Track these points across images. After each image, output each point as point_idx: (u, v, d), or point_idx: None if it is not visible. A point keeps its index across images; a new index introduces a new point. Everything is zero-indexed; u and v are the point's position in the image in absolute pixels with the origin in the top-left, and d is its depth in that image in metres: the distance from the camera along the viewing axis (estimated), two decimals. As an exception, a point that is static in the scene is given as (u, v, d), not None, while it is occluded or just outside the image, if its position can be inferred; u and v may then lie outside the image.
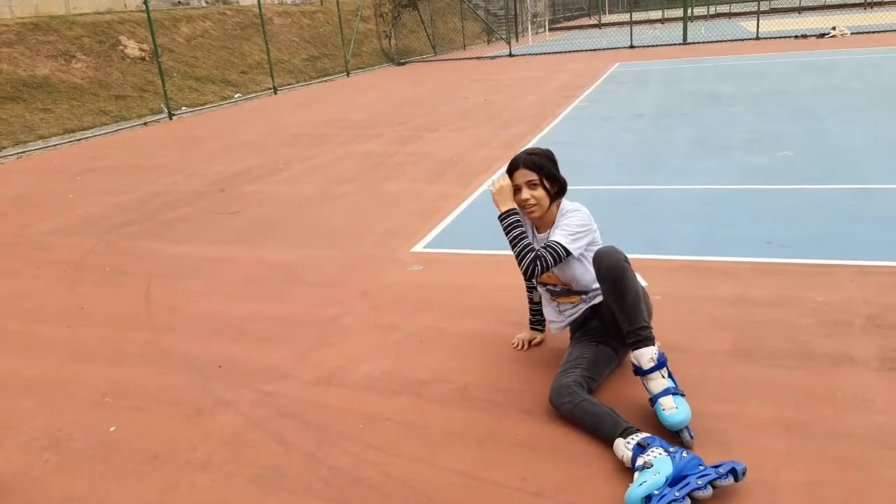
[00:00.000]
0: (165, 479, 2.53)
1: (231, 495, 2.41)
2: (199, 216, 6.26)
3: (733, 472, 2.15)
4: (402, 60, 24.70)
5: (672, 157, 7.14)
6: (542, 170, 2.86)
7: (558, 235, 2.80)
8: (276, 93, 16.93)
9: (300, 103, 14.81)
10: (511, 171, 2.92)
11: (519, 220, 2.90)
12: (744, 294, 3.64)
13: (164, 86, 13.80)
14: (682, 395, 2.51)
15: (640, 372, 2.55)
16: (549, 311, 3.13)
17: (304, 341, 3.56)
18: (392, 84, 17.85)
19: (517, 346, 3.29)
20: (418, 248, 4.90)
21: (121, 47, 16.01)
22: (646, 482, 2.11)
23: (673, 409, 2.44)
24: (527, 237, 2.86)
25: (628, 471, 2.28)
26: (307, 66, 21.01)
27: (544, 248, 2.78)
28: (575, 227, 2.83)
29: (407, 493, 2.34)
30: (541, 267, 2.75)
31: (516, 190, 2.90)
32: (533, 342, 3.30)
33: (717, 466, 2.18)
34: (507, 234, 2.90)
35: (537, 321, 3.31)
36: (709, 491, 2.11)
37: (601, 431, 2.47)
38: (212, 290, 4.43)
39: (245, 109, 14.64)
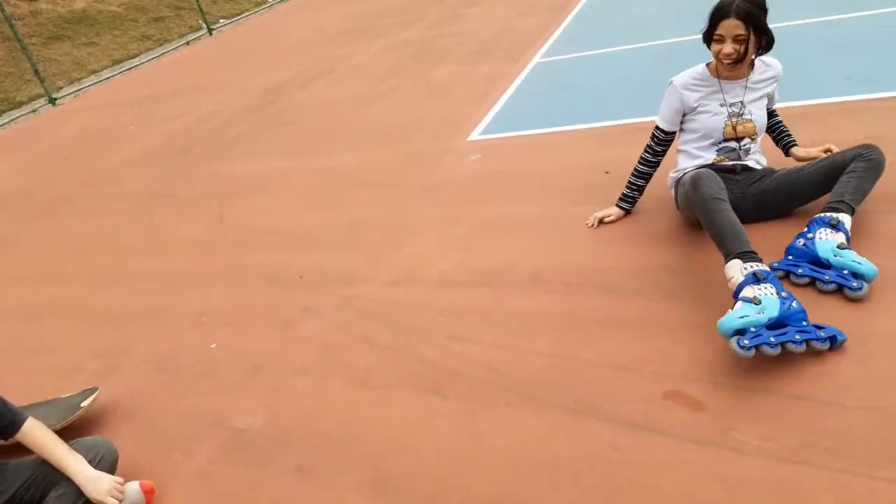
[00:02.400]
0: (267, 386, 2.73)
1: (328, 396, 2.58)
2: (255, 132, 6.32)
3: (833, 339, 2.12)
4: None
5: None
6: (752, 20, 2.58)
7: (773, 104, 3.06)
8: (309, -10, 16.40)
9: (335, -2, 14.34)
10: (717, 20, 2.66)
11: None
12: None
13: (197, 0, 13.57)
14: None
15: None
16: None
17: (375, 244, 3.65)
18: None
19: (591, 224, 3.24)
20: (474, 135, 4.82)
21: (148, -34, 15.70)
22: (747, 317, 2.09)
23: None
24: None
25: (711, 338, 2.29)
26: (336, -45, 20.10)
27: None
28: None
29: (494, 376, 2.44)
30: None
31: (718, 40, 2.68)
32: (606, 219, 3.25)
33: (819, 328, 2.14)
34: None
35: (631, 198, 3.22)
36: (802, 347, 2.09)
37: (721, 241, 2.40)
38: (280, 204, 4.54)
39: (282, 12, 14.32)
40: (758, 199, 2.84)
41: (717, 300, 2.48)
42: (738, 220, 2.45)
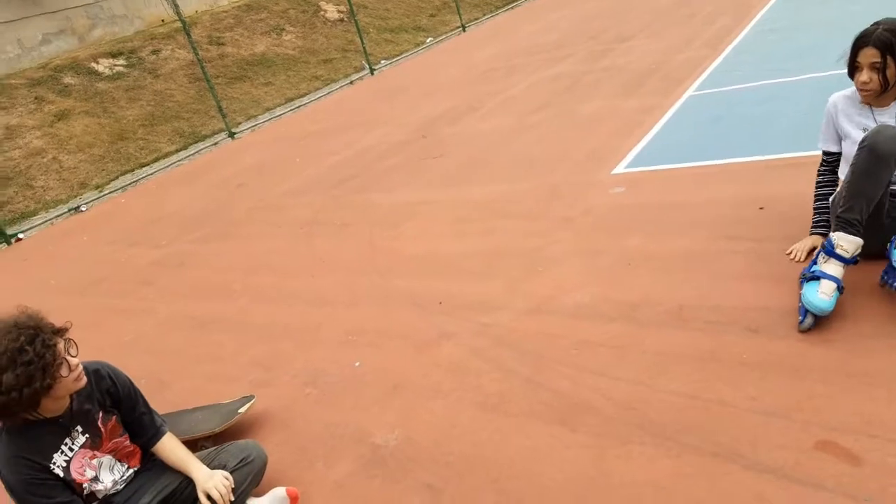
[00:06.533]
0: (404, 405, 2.84)
1: (461, 419, 2.64)
2: (407, 164, 6.64)
3: None
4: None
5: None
6: (891, 49, 2.53)
7: None
8: (464, 30, 17.01)
9: (488, 36, 14.77)
10: (856, 48, 2.64)
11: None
12: None
13: (362, 43, 14.54)
14: None
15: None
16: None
17: (513, 273, 3.69)
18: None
19: (794, 256, 2.97)
20: (619, 168, 4.76)
21: (321, 13, 17.12)
22: None
23: None
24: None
25: (868, 387, 2.11)
26: (492, -4, 20.78)
27: None
28: None
29: (627, 413, 2.38)
30: None
31: (857, 68, 2.66)
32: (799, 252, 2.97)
33: None
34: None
35: (824, 222, 2.98)
36: None
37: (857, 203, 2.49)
38: (426, 232, 4.73)
39: (438, 52, 14.97)
40: None
41: (874, 348, 2.27)
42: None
